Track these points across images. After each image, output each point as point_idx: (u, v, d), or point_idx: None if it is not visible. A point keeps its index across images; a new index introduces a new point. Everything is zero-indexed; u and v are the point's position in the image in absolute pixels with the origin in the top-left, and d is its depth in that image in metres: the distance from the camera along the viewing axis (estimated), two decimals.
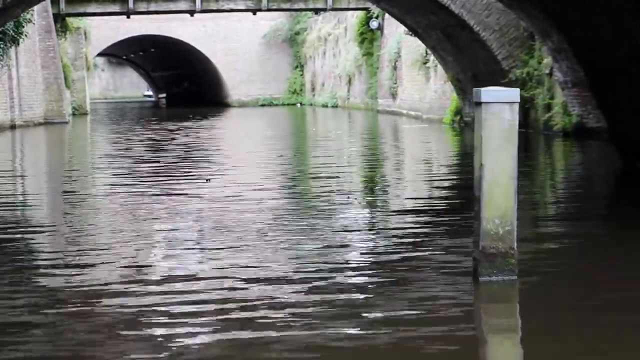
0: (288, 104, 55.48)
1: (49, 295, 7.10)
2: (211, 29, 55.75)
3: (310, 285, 7.21)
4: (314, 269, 7.78)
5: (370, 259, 8.30)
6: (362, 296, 6.88)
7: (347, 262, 8.16)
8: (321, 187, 13.98)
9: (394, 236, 9.40)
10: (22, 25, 28.72)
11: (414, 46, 32.72)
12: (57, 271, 7.93)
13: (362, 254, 8.53)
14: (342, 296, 6.85)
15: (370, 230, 9.92)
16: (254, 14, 41.36)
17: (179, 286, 7.22)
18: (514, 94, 7.05)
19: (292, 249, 8.71)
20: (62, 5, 37.44)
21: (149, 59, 72.05)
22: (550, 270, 7.66)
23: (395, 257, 8.30)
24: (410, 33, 27.87)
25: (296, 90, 56.42)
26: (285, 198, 12.70)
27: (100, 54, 59.63)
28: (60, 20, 38.96)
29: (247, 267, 7.87)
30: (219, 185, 13.74)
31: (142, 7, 37.90)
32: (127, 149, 22.64)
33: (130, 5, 37.17)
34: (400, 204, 12.17)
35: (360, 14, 41.20)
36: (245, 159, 19.31)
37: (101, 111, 52.86)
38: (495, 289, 6.92)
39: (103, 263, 8.15)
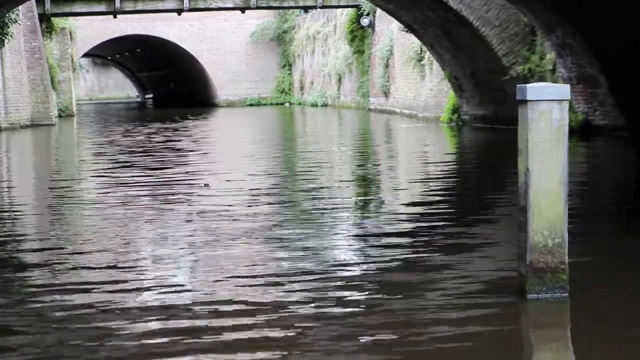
0: (276, 104, 54.82)
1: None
2: (197, 29, 55.04)
3: (340, 300, 6.53)
4: (336, 285, 7.10)
5: (398, 278, 7.60)
6: (402, 317, 6.22)
7: (368, 279, 7.46)
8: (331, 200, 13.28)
9: (422, 248, 8.69)
10: (7, 25, 27.99)
11: (408, 43, 32.06)
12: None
13: (382, 270, 7.83)
14: (379, 316, 6.18)
15: (387, 243, 9.19)
16: (243, 12, 40.65)
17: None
18: (563, 90, 6.36)
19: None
20: (48, 5, 36.67)
21: (135, 60, 71.32)
22: (604, 286, 6.94)
23: (430, 274, 7.53)
24: (406, 30, 27.19)
25: (284, 89, 55.74)
26: (287, 216, 11.83)
27: (85, 55, 58.85)
28: (45, 20, 38.18)
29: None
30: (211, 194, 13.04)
31: (129, 6, 37.13)
32: (115, 153, 21.87)
33: (117, 4, 36.40)
34: (426, 212, 11.40)
35: (351, 11, 40.54)
36: (234, 166, 18.04)
37: (87, 113, 52.09)
38: (545, 308, 6.23)
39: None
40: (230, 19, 54.47)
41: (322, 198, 12.30)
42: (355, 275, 7.57)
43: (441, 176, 15.33)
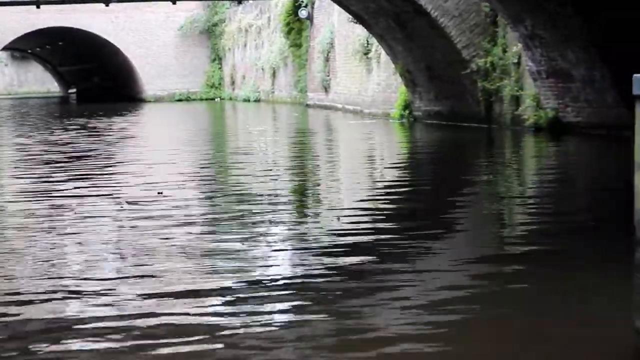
0: (206, 99, 53.03)
1: None
2: (123, 21, 53.03)
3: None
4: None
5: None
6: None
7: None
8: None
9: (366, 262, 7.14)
10: None
11: (353, 36, 30.55)
12: None
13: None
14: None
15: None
16: (174, 2, 38.67)
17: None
18: None
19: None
20: None
21: (56, 53, 69.05)
22: None
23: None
24: (355, 21, 25.65)
25: (214, 84, 53.95)
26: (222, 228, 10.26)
27: (3, 48, 56.52)
28: None
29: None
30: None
31: None
32: (36, 152, 19.94)
33: None
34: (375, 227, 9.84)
35: (287, 3, 38.93)
36: (160, 170, 15.62)
37: (6, 108, 49.83)
38: None
39: None
40: (157, 12, 52.70)
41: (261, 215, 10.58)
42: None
43: (396, 184, 13.82)
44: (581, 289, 6.49)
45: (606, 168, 15.12)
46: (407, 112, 25.87)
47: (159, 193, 11.82)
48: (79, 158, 17.99)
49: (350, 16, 25.73)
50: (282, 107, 39.99)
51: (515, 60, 20.82)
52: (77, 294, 6.65)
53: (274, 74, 43.82)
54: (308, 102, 37.70)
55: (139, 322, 5.81)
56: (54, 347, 5.39)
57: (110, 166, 16.65)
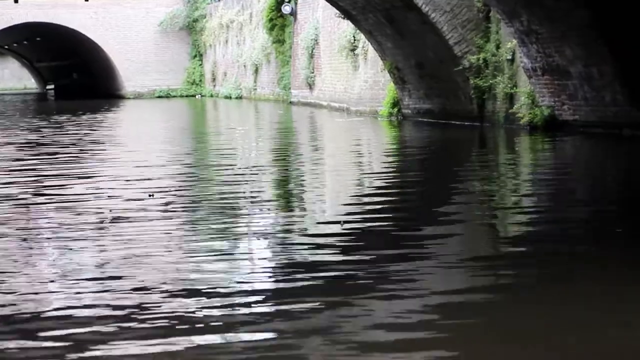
0: (187, 95, 52.35)
1: None
2: (102, 17, 52.31)
3: None
4: None
5: None
6: None
7: None
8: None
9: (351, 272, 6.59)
10: None
11: (337, 32, 29.98)
12: None
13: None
14: None
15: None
16: None
17: None
18: None
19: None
20: None
21: (34, 49, 68.21)
22: None
23: None
24: (343, 16, 25.05)
25: (195, 80, 53.26)
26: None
27: None
28: None
29: None
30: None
31: None
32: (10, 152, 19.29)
33: None
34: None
35: None
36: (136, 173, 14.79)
37: None
38: None
39: None
40: (137, 7, 52.13)
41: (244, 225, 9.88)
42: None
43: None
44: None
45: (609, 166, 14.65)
46: (395, 109, 25.31)
47: (150, 195, 11.23)
48: (49, 160, 16.99)
49: (338, 12, 25.13)
50: (265, 105, 39.38)
51: (509, 57, 20.30)
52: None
53: (256, 71, 43.19)
54: (292, 100, 37.10)
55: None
56: None
57: (84, 170, 15.62)
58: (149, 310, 6.02)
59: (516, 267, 7.22)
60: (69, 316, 5.94)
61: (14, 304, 6.29)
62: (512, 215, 10.04)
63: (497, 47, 20.74)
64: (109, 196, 11.60)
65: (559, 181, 12.89)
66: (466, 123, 21.83)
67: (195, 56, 53.26)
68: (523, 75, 19.76)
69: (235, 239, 8.67)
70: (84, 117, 32.68)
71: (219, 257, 7.69)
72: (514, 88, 20.15)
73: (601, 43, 15.07)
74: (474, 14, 21.28)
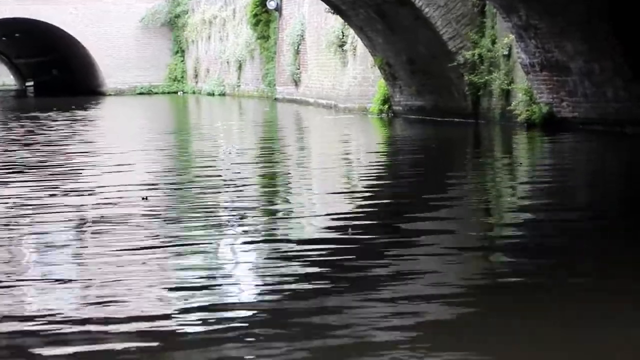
0: (169, 92, 51.63)
1: None
2: (82, 12, 51.55)
3: None
4: None
5: None
6: None
7: None
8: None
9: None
10: None
11: (324, 27, 29.45)
12: None
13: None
14: None
15: None
16: None
17: None
18: None
19: None
20: None
21: (13, 45, 67.37)
22: None
23: None
24: (332, 12, 24.52)
25: (177, 77, 52.56)
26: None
27: None
28: None
29: None
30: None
31: None
32: None
33: None
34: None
35: None
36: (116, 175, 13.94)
37: None
38: None
39: None
40: (118, 3, 51.44)
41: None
42: None
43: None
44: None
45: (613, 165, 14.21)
46: (386, 106, 24.79)
47: (143, 199, 10.66)
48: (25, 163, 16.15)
49: (327, 7, 24.59)
50: (249, 102, 38.80)
51: (506, 52, 19.83)
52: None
53: (240, 67, 42.59)
54: (277, 96, 36.56)
55: None
56: None
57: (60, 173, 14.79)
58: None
59: (514, 264, 7.19)
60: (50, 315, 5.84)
61: None
62: (507, 222, 9.54)
63: (493, 42, 20.27)
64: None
65: (559, 181, 12.44)
66: (460, 120, 21.35)
67: (177, 52, 52.61)
68: (520, 72, 19.28)
69: (221, 239, 8.44)
70: (64, 114, 31.89)
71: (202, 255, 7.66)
72: (511, 84, 19.67)
73: (610, 35, 14.55)
74: (469, 9, 20.81)
